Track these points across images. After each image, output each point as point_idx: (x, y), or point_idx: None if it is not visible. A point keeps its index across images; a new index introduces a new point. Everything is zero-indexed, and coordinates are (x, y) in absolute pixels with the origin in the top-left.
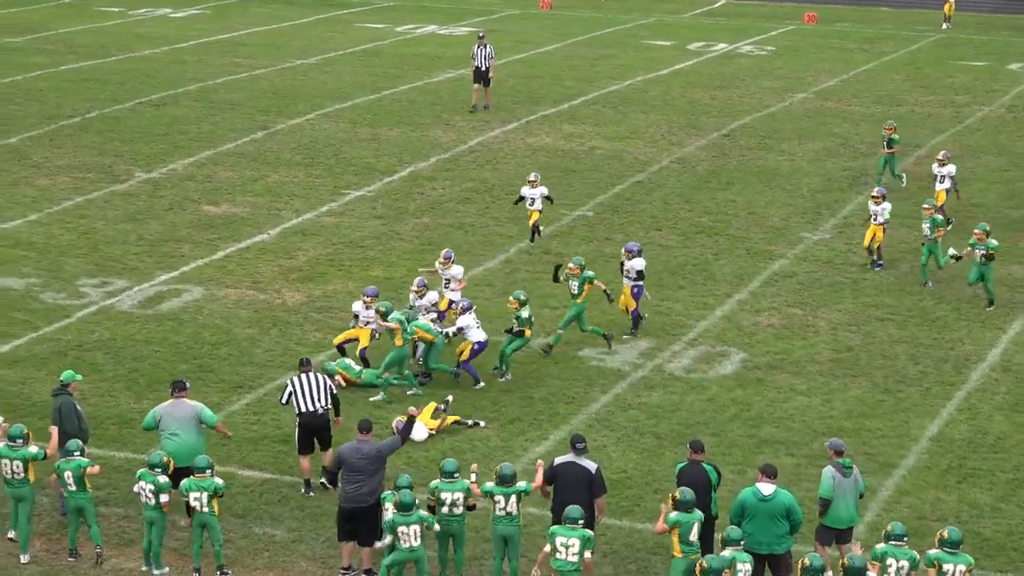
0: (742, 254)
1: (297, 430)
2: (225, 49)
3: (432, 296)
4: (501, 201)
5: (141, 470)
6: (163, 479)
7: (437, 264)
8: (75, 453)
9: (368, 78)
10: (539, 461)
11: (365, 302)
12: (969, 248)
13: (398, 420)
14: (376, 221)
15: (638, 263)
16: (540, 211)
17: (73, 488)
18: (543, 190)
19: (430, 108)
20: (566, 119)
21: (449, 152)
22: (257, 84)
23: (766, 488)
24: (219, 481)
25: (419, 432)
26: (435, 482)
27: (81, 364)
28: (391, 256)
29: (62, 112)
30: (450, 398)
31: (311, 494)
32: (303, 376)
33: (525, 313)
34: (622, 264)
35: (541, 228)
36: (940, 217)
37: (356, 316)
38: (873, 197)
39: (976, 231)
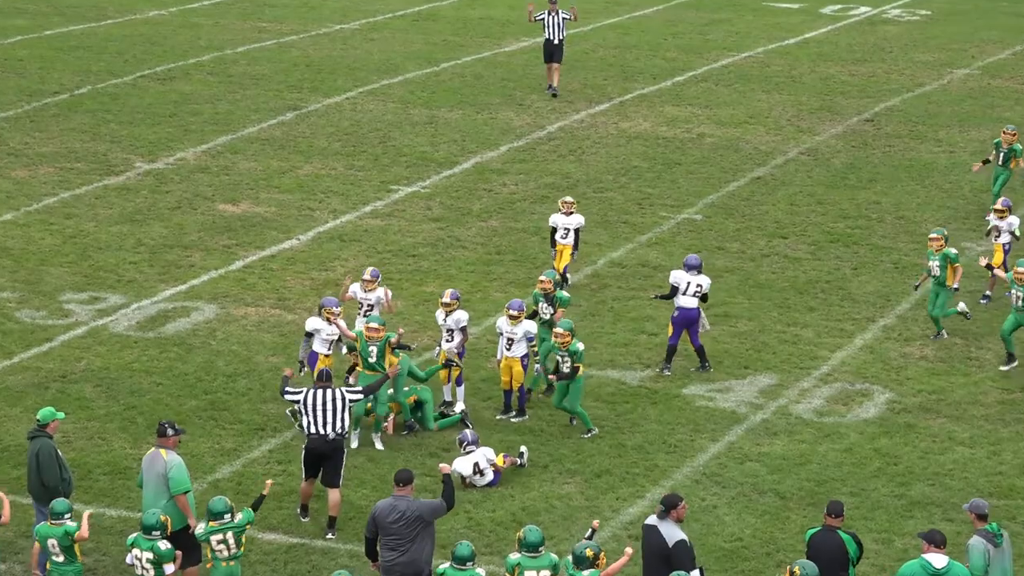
0: (888, 268)
1: (303, 453)
2: (247, 11)
3: (461, 315)
4: (588, 200)
5: (134, 535)
6: (163, 545)
7: (356, 288)
8: (65, 516)
9: (423, 47)
10: (627, 551)
11: (331, 313)
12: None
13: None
14: (432, 224)
15: (672, 274)
16: (574, 247)
17: (60, 559)
18: (579, 219)
19: (499, 85)
20: (668, 99)
21: (523, 139)
22: (286, 54)
23: (937, 560)
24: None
25: (463, 467)
26: (515, 556)
27: (65, 399)
28: (450, 268)
29: (46, 88)
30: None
31: (306, 519)
32: (318, 392)
33: (580, 345)
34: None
35: (569, 275)
36: (954, 252)
37: (310, 335)
38: (996, 211)
39: (1018, 268)
